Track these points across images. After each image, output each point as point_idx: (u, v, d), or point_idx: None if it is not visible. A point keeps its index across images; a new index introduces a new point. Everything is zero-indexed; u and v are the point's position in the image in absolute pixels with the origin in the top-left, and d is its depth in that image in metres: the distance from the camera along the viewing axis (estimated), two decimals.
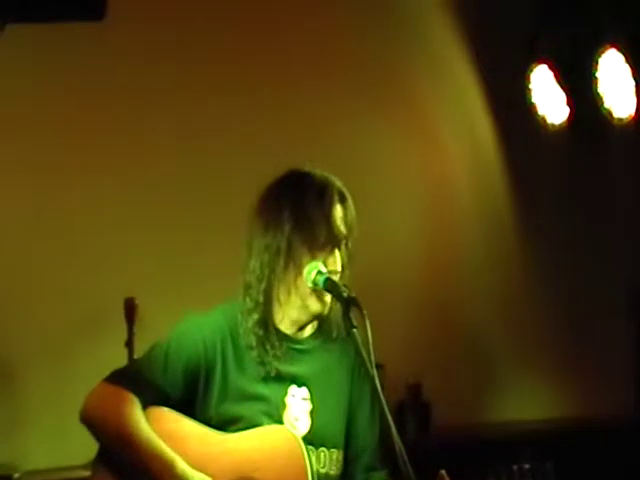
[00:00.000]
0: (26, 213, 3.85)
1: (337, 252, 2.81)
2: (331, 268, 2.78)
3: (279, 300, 2.84)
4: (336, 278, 2.79)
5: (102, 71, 4.05)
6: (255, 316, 2.81)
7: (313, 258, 2.78)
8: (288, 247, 2.80)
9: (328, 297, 2.78)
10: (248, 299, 2.83)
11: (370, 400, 2.86)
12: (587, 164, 5.06)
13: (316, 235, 2.78)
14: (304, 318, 2.84)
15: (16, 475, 3.56)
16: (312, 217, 2.79)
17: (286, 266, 2.80)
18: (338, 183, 2.88)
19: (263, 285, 2.82)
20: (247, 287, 2.82)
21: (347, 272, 2.87)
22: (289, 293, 2.81)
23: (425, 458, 2.57)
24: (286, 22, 4.49)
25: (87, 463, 2.82)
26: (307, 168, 2.90)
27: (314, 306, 2.79)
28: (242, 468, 2.70)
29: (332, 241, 2.80)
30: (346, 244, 2.86)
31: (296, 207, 2.82)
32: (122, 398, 2.73)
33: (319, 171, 2.90)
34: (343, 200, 2.86)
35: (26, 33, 3.68)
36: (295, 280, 2.80)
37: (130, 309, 3.78)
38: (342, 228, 2.83)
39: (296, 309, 2.83)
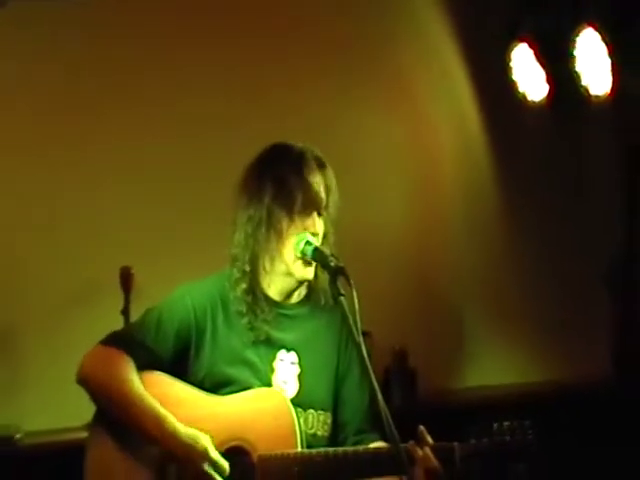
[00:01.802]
0: (23, 185, 3.81)
1: (316, 215, 2.81)
2: (311, 231, 2.79)
3: (265, 268, 2.86)
4: (318, 241, 2.79)
5: (97, 47, 4.00)
6: (243, 285, 2.83)
7: (292, 222, 2.79)
8: (268, 216, 2.81)
9: (312, 263, 2.78)
10: (235, 270, 2.85)
11: (358, 367, 2.87)
12: (565, 139, 5.08)
13: (294, 199, 2.79)
14: (290, 284, 2.85)
15: (18, 435, 3.58)
16: (289, 182, 2.80)
17: (268, 235, 2.82)
18: (317, 152, 2.89)
19: (248, 255, 2.84)
20: (234, 259, 2.85)
21: (331, 238, 2.87)
22: (274, 261, 2.83)
23: (411, 422, 2.58)
24: (277, 4, 4.43)
25: (85, 425, 2.82)
26: (287, 142, 2.90)
27: (299, 272, 2.80)
28: (234, 429, 2.71)
29: (310, 204, 2.80)
30: (326, 209, 2.85)
31: (274, 176, 2.84)
32: (116, 359, 2.75)
33: (299, 143, 2.90)
34: (321, 166, 2.87)
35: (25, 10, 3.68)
36: (278, 247, 2.81)
37: (126, 278, 3.78)
38: (320, 193, 2.82)
39: (282, 276, 2.84)
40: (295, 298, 2.91)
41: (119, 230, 3.94)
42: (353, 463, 2.65)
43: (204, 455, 2.63)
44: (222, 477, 2.64)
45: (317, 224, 2.80)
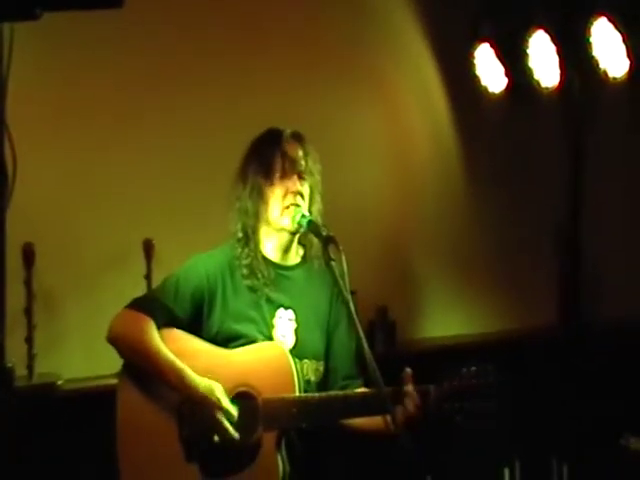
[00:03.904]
0: (59, 168, 3.77)
1: (297, 178, 2.78)
2: (292, 190, 2.77)
3: (260, 233, 2.86)
4: (302, 202, 2.77)
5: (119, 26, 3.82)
6: (245, 250, 2.81)
7: (274, 187, 2.78)
8: (252, 189, 2.80)
9: (297, 216, 2.76)
10: (237, 244, 2.84)
11: (346, 322, 2.88)
12: (521, 124, 5.07)
13: (272, 166, 2.80)
14: (285, 239, 2.84)
15: (59, 382, 3.58)
16: (267, 154, 2.81)
17: (256, 205, 2.82)
18: (295, 129, 2.86)
19: (244, 229, 2.86)
20: (233, 234, 2.84)
21: (316, 207, 2.85)
22: (268, 223, 2.82)
23: (392, 367, 2.62)
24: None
25: (115, 373, 2.82)
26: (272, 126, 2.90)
27: (287, 224, 2.77)
28: (241, 377, 2.73)
29: (288, 169, 2.79)
30: (309, 175, 2.82)
31: (255, 154, 2.84)
32: (140, 320, 2.75)
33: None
34: (299, 139, 2.85)
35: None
36: (267, 212, 2.82)
37: (148, 248, 3.79)
38: (298, 158, 2.80)
39: (276, 233, 2.83)
40: (292, 259, 2.91)
41: (142, 207, 3.94)
42: (343, 404, 2.68)
43: (217, 404, 2.64)
44: (231, 422, 2.64)
45: (297, 184, 2.78)
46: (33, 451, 3.40)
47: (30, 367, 3.54)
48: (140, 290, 3.20)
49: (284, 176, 2.77)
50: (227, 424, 2.63)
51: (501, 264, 5.05)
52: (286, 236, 2.83)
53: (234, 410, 2.65)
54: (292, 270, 2.89)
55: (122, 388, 2.77)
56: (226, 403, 2.64)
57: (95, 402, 3.07)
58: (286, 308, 2.83)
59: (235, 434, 2.63)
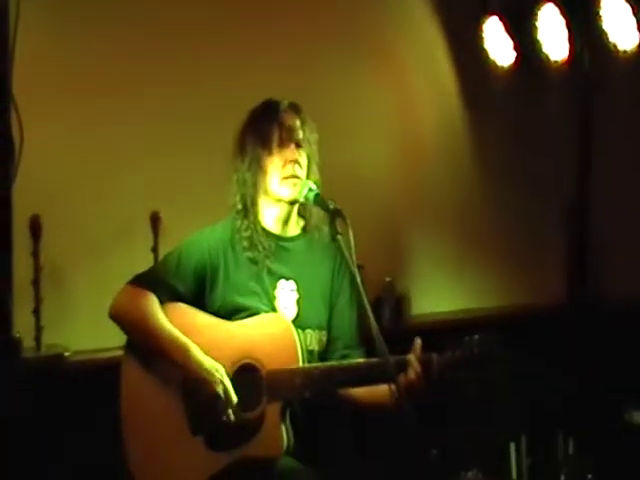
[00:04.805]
0: (66, 140, 3.76)
1: (293, 147, 2.78)
2: (290, 159, 2.78)
3: (261, 204, 2.85)
4: (300, 172, 2.77)
5: None
6: (243, 223, 2.82)
7: (272, 157, 2.78)
8: (251, 161, 2.80)
9: (297, 186, 2.77)
10: (237, 216, 2.84)
11: (349, 293, 2.90)
12: (530, 97, 5.04)
13: (270, 137, 2.79)
14: (284, 210, 2.84)
15: (67, 353, 3.60)
16: (264, 125, 2.80)
17: (255, 176, 2.82)
18: (292, 100, 2.87)
19: (242, 198, 2.84)
20: (233, 206, 2.84)
21: (313, 177, 2.85)
22: (267, 194, 2.82)
23: (399, 341, 2.64)
24: None
25: (121, 345, 2.83)
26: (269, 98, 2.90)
27: (286, 194, 2.78)
28: (245, 348, 2.74)
29: (285, 138, 2.79)
30: (307, 143, 2.82)
31: (253, 125, 2.84)
32: (142, 296, 2.76)
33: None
34: (295, 109, 2.85)
35: None
36: (265, 182, 2.81)
37: (155, 221, 3.80)
38: (294, 127, 2.80)
39: (275, 204, 2.83)
40: (292, 231, 2.91)
41: (150, 180, 3.92)
42: (347, 374, 2.69)
43: (219, 383, 2.64)
44: (231, 403, 2.65)
45: (296, 153, 2.79)
46: (40, 422, 3.42)
47: (38, 339, 3.55)
48: (147, 263, 3.21)
49: (282, 145, 2.77)
50: (227, 405, 2.64)
51: (508, 238, 5.03)
52: (285, 207, 2.84)
53: (234, 396, 2.66)
54: (292, 241, 2.90)
55: (126, 364, 2.80)
56: (228, 384, 2.65)
57: (103, 374, 3.08)
58: (287, 279, 2.84)
59: (232, 417, 2.65)
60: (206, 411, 2.67)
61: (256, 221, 2.82)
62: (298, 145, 2.78)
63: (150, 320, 2.69)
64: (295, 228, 2.91)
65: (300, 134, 2.79)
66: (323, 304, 2.86)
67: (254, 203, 2.82)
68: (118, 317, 2.76)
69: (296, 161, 2.76)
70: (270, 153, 2.76)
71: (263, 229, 2.84)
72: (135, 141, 3.91)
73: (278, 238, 2.86)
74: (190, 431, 2.72)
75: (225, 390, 2.63)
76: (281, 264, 2.84)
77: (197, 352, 2.66)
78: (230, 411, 2.64)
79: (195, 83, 4.03)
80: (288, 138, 2.77)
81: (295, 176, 2.75)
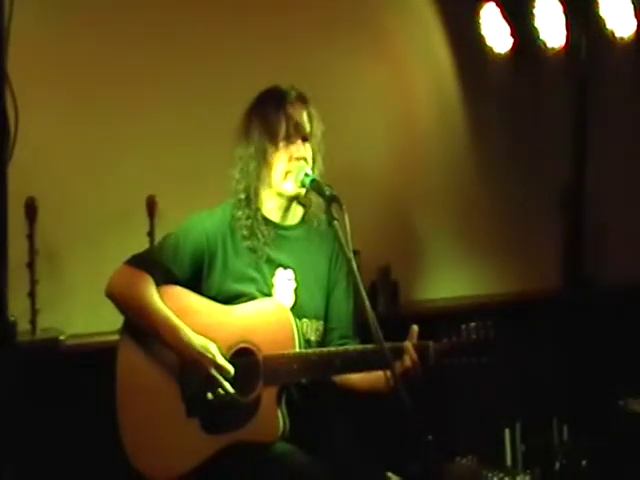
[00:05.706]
0: (62, 123, 3.75)
1: (300, 142, 2.77)
2: (296, 156, 2.76)
3: (261, 195, 2.84)
4: (308, 165, 2.76)
5: None
6: (244, 212, 2.81)
7: (278, 150, 2.76)
8: (256, 151, 2.78)
9: (300, 174, 2.76)
10: (237, 202, 2.83)
11: (346, 281, 2.90)
12: (527, 84, 5.04)
13: (277, 130, 2.76)
14: (284, 203, 2.83)
15: (62, 337, 3.60)
16: (271, 116, 2.78)
17: (259, 167, 2.80)
18: (301, 91, 2.84)
19: (243, 186, 2.82)
20: (235, 193, 2.82)
21: (318, 167, 2.83)
22: (269, 185, 2.81)
23: (394, 327, 2.63)
24: None
25: (117, 330, 2.82)
26: (275, 85, 2.87)
27: (289, 189, 2.77)
28: (242, 333, 2.73)
29: (292, 132, 2.77)
30: (313, 137, 2.81)
31: (259, 114, 2.81)
32: (138, 277, 2.75)
33: (286, 85, 2.86)
34: (303, 100, 2.82)
35: None
36: (269, 175, 2.79)
37: (151, 205, 3.78)
38: (302, 121, 2.78)
39: (275, 197, 2.82)
40: (291, 219, 2.90)
41: (145, 164, 3.92)
42: (344, 360, 2.68)
43: (212, 361, 2.64)
44: (227, 379, 2.65)
45: (302, 149, 2.77)
46: (36, 406, 3.42)
47: (33, 322, 3.55)
48: (143, 246, 3.19)
49: (288, 140, 2.75)
50: (223, 380, 2.63)
51: (504, 225, 5.04)
52: (285, 199, 2.83)
53: (230, 367, 2.66)
54: (292, 230, 2.89)
55: (122, 346, 2.79)
56: (222, 360, 2.65)
57: (98, 357, 3.07)
58: (285, 268, 2.83)
59: (231, 390, 2.65)
60: (200, 392, 2.67)
61: (257, 210, 2.81)
62: (305, 139, 2.77)
63: (144, 300, 2.69)
64: (295, 216, 2.90)
65: (307, 128, 2.77)
66: (320, 294, 2.86)
67: (257, 193, 2.81)
68: (114, 295, 2.76)
69: (302, 158, 2.75)
70: (276, 148, 2.74)
71: (263, 217, 2.83)
72: (131, 125, 3.90)
73: (278, 226, 2.85)
74: (185, 413, 2.71)
75: (218, 367, 2.63)
76: (280, 252, 2.82)
77: (188, 332, 2.65)
78: (227, 385, 2.63)
79: (191, 70, 4.02)
80: (295, 133, 2.74)
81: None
